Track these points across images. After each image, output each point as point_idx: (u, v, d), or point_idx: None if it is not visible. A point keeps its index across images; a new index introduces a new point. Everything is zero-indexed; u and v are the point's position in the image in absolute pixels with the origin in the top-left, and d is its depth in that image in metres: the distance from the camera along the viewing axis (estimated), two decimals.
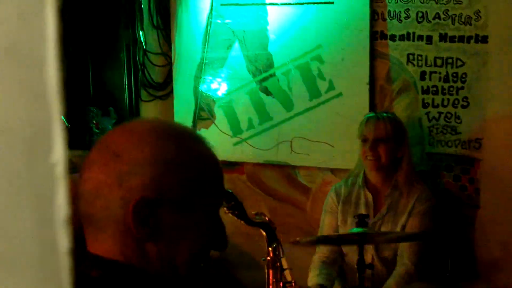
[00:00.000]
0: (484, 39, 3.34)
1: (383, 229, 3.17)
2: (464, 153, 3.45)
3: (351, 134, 3.38)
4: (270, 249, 2.18)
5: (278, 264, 2.20)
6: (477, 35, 3.36)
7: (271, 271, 2.19)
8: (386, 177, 3.22)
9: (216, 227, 1.20)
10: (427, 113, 3.51)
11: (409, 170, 3.22)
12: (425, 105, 3.51)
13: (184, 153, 1.14)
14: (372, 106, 3.58)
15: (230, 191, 2.04)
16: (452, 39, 3.41)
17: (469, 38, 3.37)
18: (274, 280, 2.20)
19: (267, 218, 2.23)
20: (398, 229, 3.15)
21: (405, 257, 3.10)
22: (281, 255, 2.22)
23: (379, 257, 3.17)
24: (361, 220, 2.71)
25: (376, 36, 3.55)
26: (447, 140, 3.49)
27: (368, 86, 3.57)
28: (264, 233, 2.19)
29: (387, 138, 3.15)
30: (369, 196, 3.24)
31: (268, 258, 2.19)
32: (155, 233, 1.11)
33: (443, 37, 3.43)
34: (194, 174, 1.15)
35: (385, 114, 3.26)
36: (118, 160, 1.10)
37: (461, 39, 3.39)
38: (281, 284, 2.21)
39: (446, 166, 3.51)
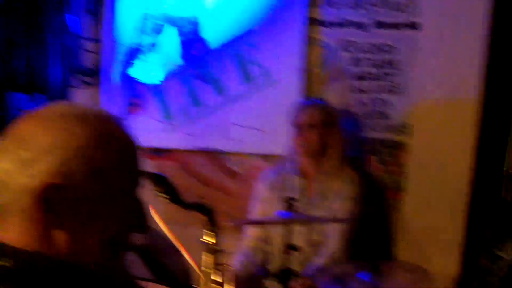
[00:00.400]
0: (417, 26, 3.40)
1: (313, 213, 3.20)
2: (393, 138, 3.52)
3: (284, 121, 3.37)
4: (209, 232, 2.13)
5: (216, 247, 2.15)
6: (410, 22, 3.41)
7: (210, 255, 2.14)
8: (316, 162, 3.26)
9: (132, 209, 1.19)
10: (359, 99, 3.54)
11: (339, 155, 3.27)
12: (357, 91, 3.54)
13: (93, 137, 1.12)
14: (306, 93, 3.60)
15: (162, 175, 1.99)
16: (386, 25, 3.45)
17: (402, 25, 3.43)
18: (213, 263, 2.15)
19: (205, 203, 2.19)
20: (328, 213, 3.19)
21: (333, 238, 3.15)
22: (220, 239, 2.17)
23: (308, 240, 3.18)
24: (288, 203, 2.72)
25: (311, 22, 3.56)
26: (377, 125, 3.53)
27: (301, 73, 3.57)
28: (202, 216, 2.13)
29: (317, 124, 3.20)
30: (300, 181, 3.27)
31: (207, 241, 2.14)
32: (64, 220, 1.09)
33: (377, 24, 3.46)
34: (103, 157, 1.13)
35: (316, 101, 3.32)
36: (23, 147, 1.09)
37: (394, 26, 3.44)
38: (220, 267, 2.17)
39: (375, 151, 3.57)
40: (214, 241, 2.14)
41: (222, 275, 2.15)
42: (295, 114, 3.25)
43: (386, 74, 3.49)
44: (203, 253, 2.15)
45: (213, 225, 2.13)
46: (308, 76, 3.60)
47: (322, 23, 3.55)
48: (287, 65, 3.60)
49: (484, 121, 3.36)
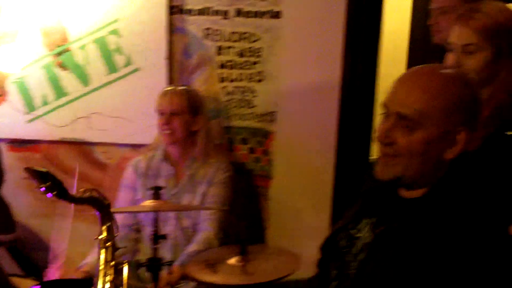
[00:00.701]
0: (278, 15, 3.46)
1: (183, 200, 3.20)
2: (259, 126, 3.59)
3: (150, 109, 3.35)
4: (104, 227, 2.04)
5: (110, 243, 2.06)
6: (271, 11, 3.46)
7: (103, 251, 2.05)
8: (184, 150, 3.26)
9: None
10: (224, 88, 3.58)
11: (207, 143, 3.29)
12: (222, 79, 3.57)
13: None
14: (171, 81, 3.58)
15: (45, 170, 1.88)
16: (248, 14, 3.49)
17: (264, 14, 3.47)
18: (106, 260, 2.05)
19: (98, 194, 2.08)
20: (198, 199, 3.20)
21: (205, 225, 3.17)
22: (115, 234, 2.08)
23: (179, 227, 3.19)
24: (155, 192, 2.70)
25: (174, 10, 3.54)
26: (243, 113, 3.58)
27: (166, 61, 3.56)
28: (95, 210, 2.04)
29: (182, 111, 3.20)
30: (169, 169, 3.27)
31: (101, 237, 2.05)
32: None
33: (239, 12, 3.50)
34: None
35: (181, 88, 3.31)
36: None
37: (256, 14, 3.48)
38: (113, 264, 2.07)
39: (242, 139, 3.62)
40: (107, 236, 2.04)
41: (117, 271, 2.06)
42: (159, 102, 3.24)
43: (250, 62, 3.53)
44: (98, 249, 2.06)
45: (107, 220, 2.03)
46: (173, 64, 3.58)
47: (185, 11, 3.53)
48: (151, 54, 3.56)
49: (346, 107, 3.47)
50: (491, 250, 1.66)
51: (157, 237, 2.71)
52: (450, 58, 2.26)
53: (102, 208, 2.04)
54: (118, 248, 2.08)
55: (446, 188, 1.76)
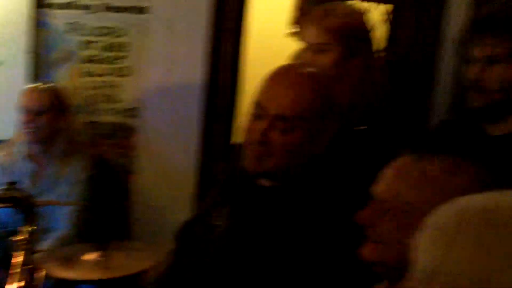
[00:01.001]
0: (145, 10, 3.48)
1: (43, 198, 3.13)
2: (124, 121, 3.58)
3: (10, 104, 3.27)
4: (25, 228, 1.93)
5: (29, 246, 1.94)
6: (138, 6, 3.48)
7: (21, 253, 1.94)
8: (47, 148, 3.20)
9: None
10: (89, 83, 3.55)
11: (70, 140, 3.24)
12: (86, 74, 3.54)
13: None
14: (34, 76, 3.51)
15: None
16: (115, 9, 3.49)
17: (131, 9, 3.49)
18: (23, 263, 1.93)
19: (22, 193, 1.97)
20: (59, 198, 3.14)
21: (63, 222, 3.12)
22: (35, 237, 1.96)
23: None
24: (11, 188, 2.63)
25: (37, 4, 3.48)
26: (107, 109, 3.57)
27: (28, 55, 3.49)
28: (16, 210, 1.92)
29: (46, 109, 3.14)
30: (30, 166, 3.20)
31: (19, 238, 1.94)
32: None
33: (105, 7, 3.49)
34: None
35: (45, 85, 3.25)
36: None
37: (123, 9, 3.49)
38: (29, 269, 1.95)
39: (106, 135, 3.60)
40: (28, 238, 1.91)
41: (31, 275, 1.93)
42: (24, 99, 3.15)
43: (116, 57, 3.52)
44: (15, 251, 1.92)
45: (29, 221, 1.93)
46: (36, 59, 3.51)
47: (49, 5, 3.47)
48: (13, 47, 3.48)
49: (210, 104, 3.53)
50: (333, 233, 1.75)
51: (10, 234, 2.64)
52: (304, 57, 2.35)
53: (26, 208, 1.92)
54: (35, 251, 1.95)
55: (300, 179, 1.84)
